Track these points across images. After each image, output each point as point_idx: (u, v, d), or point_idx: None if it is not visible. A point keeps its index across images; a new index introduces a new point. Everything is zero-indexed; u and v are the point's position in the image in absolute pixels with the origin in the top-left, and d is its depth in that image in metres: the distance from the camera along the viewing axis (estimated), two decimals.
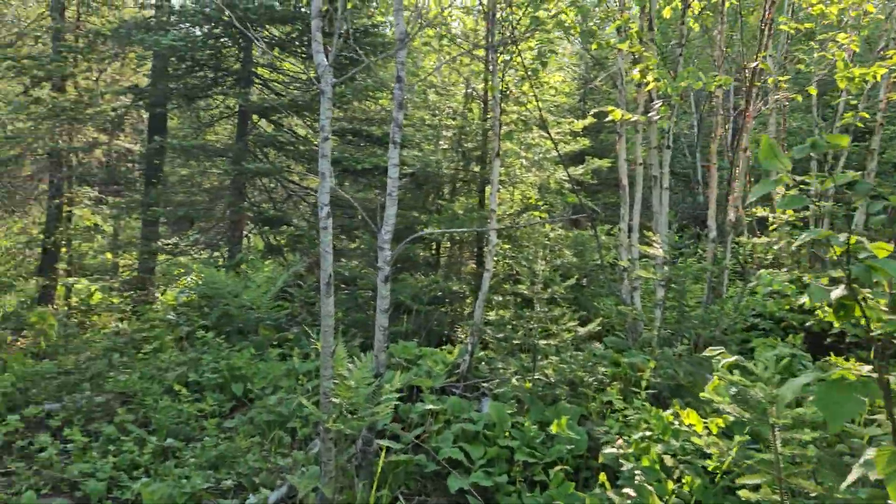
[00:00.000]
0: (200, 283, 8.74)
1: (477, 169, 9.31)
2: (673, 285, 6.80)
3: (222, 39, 9.69)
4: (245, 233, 10.44)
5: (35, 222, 10.47)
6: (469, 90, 9.64)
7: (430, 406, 5.61)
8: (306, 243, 9.29)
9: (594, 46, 7.14)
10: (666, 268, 6.89)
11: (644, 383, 5.58)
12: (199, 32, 9.26)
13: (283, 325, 8.78)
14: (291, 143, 9.95)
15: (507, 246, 8.86)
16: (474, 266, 9.29)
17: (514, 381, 5.82)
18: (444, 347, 7.66)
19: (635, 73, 6.47)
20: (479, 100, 9.37)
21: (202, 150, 9.63)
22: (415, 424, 5.62)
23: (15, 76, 9.91)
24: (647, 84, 6.48)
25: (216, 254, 10.21)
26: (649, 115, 6.98)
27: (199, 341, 7.52)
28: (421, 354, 7.15)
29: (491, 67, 8.03)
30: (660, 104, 6.72)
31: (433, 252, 9.82)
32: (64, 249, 10.41)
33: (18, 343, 8.93)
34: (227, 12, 8.04)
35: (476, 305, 7.08)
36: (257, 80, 10.00)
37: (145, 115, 11.07)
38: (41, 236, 10.15)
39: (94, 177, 10.08)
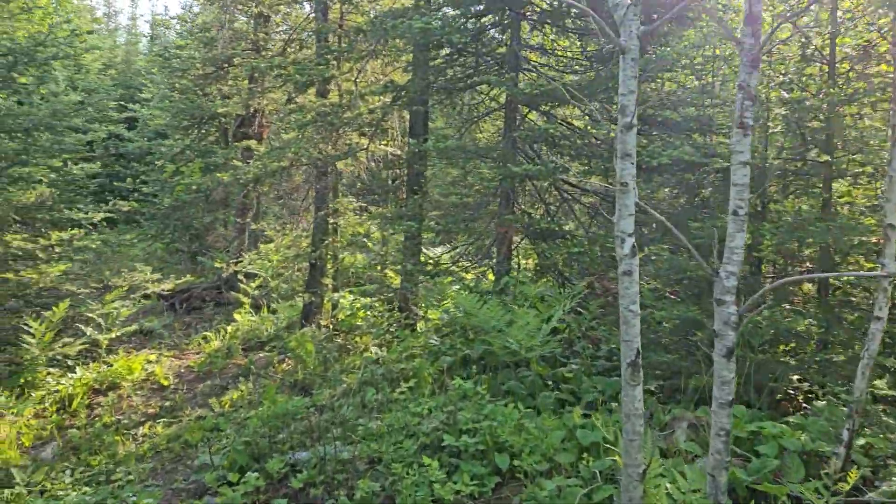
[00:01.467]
0: (460, 312, 7.40)
1: (823, 158, 6.60)
2: None
3: (484, 19, 8.23)
4: (513, 245, 8.92)
5: (304, 235, 10.13)
6: (809, 50, 6.92)
7: None
8: (587, 261, 7.42)
9: None
10: None
11: None
12: (456, 12, 7.90)
13: (559, 357, 7.11)
14: (566, 136, 8.14)
15: None
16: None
17: None
18: (790, 418, 5.30)
19: None
20: (821, 62, 6.65)
21: (462, 152, 8.25)
22: None
23: (282, 84, 9.52)
24: None
25: (481, 268, 8.84)
26: None
27: (457, 390, 6.13)
28: (759, 431, 4.91)
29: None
30: None
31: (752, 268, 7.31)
32: (330, 263, 9.91)
33: (283, 366, 8.47)
34: None
35: (858, 370, 4.58)
36: (526, 66, 8.39)
37: (406, 115, 10.13)
38: (309, 249, 9.73)
39: (353, 186, 9.37)
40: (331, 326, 9.47)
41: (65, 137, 19.55)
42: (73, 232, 7.90)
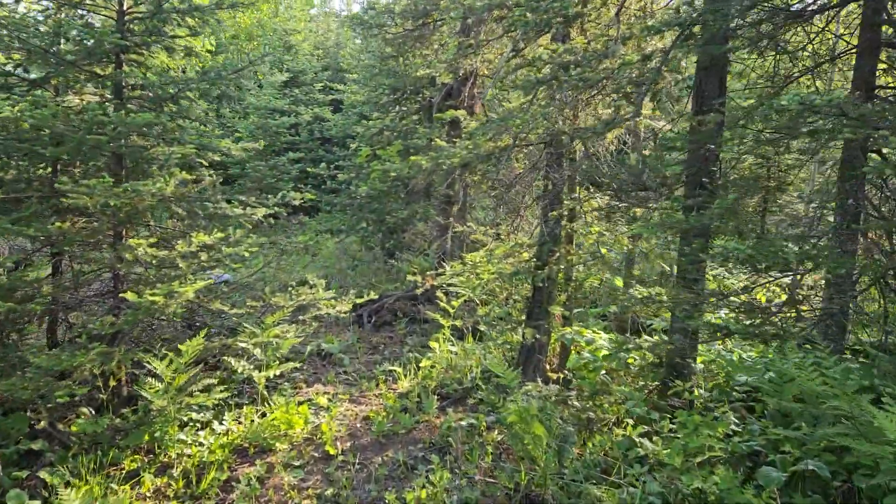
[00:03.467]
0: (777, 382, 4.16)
1: None
2: None
3: None
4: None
5: (527, 243, 7.34)
6: None
7: None
8: None
9: None
10: None
11: None
12: None
13: None
14: None
15: None
16: None
17: None
18: None
19: None
20: None
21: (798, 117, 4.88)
22: None
23: (503, 34, 6.72)
24: None
25: (816, 312, 5.42)
26: None
27: None
28: None
29: None
30: None
31: None
32: (562, 284, 7.03)
33: (493, 435, 5.75)
34: None
35: None
36: None
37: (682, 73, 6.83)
38: (532, 263, 6.92)
39: (592, 176, 6.35)
40: (562, 378, 6.59)
41: (268, 120, 18.68)
42: (218, 236, 5.76)
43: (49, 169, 6.51)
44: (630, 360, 6.02)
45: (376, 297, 10.87)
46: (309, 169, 17.43)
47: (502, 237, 7.58)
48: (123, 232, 6.43)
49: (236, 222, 6.60)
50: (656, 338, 6.21)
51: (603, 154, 6.76)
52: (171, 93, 6.23)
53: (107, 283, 6.94)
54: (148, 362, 5.33)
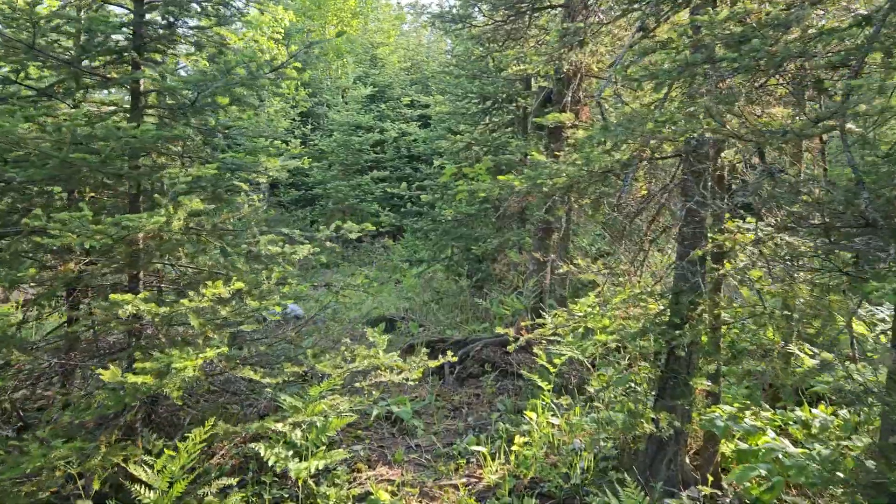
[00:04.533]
0: None
1: None
2: None
3: None
4: None
5: (655, 290, 5.49)
6: None
7: None
8: None
9: None
10: None
11: None
12: None
13: None
14: None
15: None
16: None
17: None
18: None
19: None
20: None
21: None
22: None
23: (622, 14, 4.97)
24: None
25: None
26: None
27: None
28: None
29: None
30: None
31: None
32: (707, 346, 5.11)
33: None
34: None
35: None
36: None
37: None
38: (664, 318, 5.05)
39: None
40: (711, 483, 4.67)
41: (351, 137, 17.51)
42: (238, 285, 4.25)
43: (61, 197, 5.30)
44: (839, 468, 4.01)
45: (461, 338, 9.24)
46: (388, 189, 16.08)
47: (620, 278, 5.76)
48: (140, 275, 5.11)
49: (276, 262, 5.11)
50: (866, 440, 4.18)
51: (771, 168, 4.83)
52: (190, 98, 4.84)
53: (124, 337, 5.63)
54: (143, 463, 3.88)
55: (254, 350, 5.15)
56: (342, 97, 20.25)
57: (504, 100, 10.59)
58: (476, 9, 8.01)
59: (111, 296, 3.77)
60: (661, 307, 5.21)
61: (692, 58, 3.99)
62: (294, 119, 19.57)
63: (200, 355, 3.88)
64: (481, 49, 9.20)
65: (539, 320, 6.24)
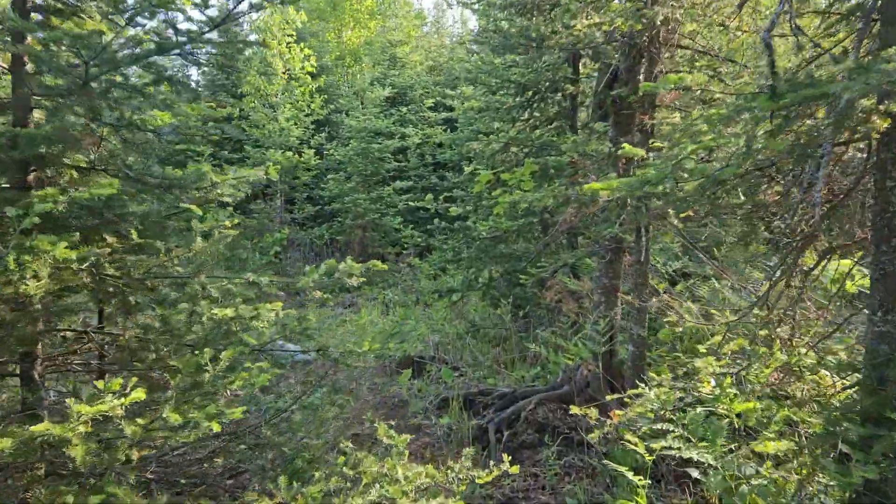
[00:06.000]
0: None
1: None
2: None
3: None
4: None
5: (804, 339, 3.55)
6: None
7: None
8: None
9: None
10: None
11: None
12: None
13: None
14: None
15: None
16: None
17: None
18: None
19: None
20: None
21: None
22: None
23: None
24: None
25: None
26: None
27: None
28: None
29: None
30: None
31: None
32: None
33: None
34: None
35: None
36: None
37: None
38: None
39: None
40: None
41: (370, 144, 15.72)
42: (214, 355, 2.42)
43: None
44: None
45: (507, 390, 7.30)
46: (410, 202, 14.22)
47: (753, 325, 3.79)
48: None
49: (231, 331, 3.28)
50: None
51: None
52: (79, 74, 3.00)
53: None
54: None
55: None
56: (360, 101, 18.49)
57: (548, 88, 8.67)
58: None
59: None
60: (847, 383, 3.23)
61: None
62: (307, 128, 17.88)
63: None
64: (519, 21, 7.31)
65: (632, 391, 4.28)
